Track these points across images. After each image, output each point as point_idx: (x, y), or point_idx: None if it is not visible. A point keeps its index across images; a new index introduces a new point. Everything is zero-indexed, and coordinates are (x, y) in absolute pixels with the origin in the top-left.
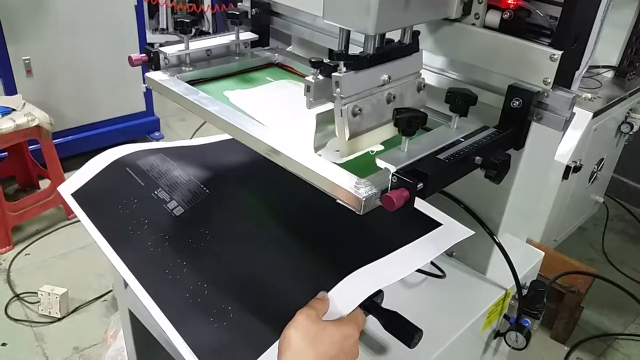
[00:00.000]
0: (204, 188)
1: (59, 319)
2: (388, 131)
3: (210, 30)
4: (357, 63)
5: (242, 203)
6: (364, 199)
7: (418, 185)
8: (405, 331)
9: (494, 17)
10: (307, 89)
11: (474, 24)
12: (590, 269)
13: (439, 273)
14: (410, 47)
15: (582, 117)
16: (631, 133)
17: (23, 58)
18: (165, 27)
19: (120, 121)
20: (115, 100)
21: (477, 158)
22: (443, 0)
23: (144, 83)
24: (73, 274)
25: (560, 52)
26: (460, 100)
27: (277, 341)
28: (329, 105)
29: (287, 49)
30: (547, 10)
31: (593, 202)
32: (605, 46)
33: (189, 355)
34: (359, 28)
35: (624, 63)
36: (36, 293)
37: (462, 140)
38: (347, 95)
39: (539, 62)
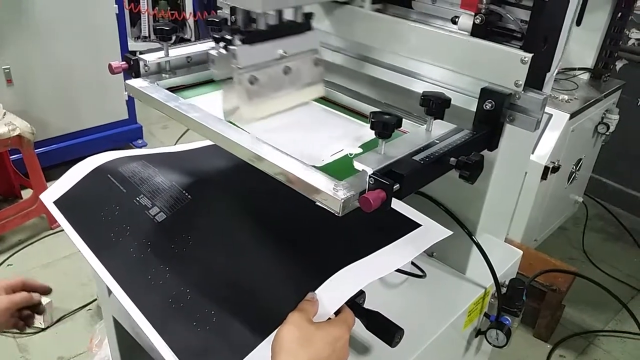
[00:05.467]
0: (186, 194)
1: (43, 329)
2: (289, 101)
3: (192, 38)
4: (250, 37)
5: (224, 208)
6: (342, 201)
7: (394, 186)
8: (387, 331)
9: (466, 21)
10: (212, 62)
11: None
12: (570, 268)
13: (420, 273)
14: (302, 26)
15: (560, 119)
16: (608, 133)
17: (3, 67)
18: (147, 34)
19: (102, 129)
20: (98, 109)
21: (452, 159)
22: None
23: (126, 91)
24: (57, 284)
25: (531, 55)
26: (434, 104)
27: (261, 344)
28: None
29: None
30: (518, 14)
31: (572, 201)
32: (580, 48)
33: None
34: (248, 6)
35: (599, 65)
36: None
37: (437, 142)
38: (242, 65)
39: (510, 64)
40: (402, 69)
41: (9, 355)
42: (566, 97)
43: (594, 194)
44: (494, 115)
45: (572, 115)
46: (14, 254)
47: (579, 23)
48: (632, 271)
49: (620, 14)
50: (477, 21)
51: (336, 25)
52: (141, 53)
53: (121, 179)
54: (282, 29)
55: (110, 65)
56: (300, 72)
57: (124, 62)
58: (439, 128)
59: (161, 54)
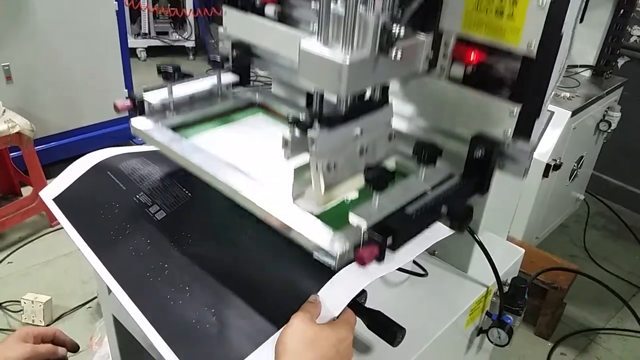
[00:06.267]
0: (186, 191)
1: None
2: (362, 180)
3: (192, 36)
4: (331, 122)
5: (224, 206)
6: (338, 256)
7: (387, 241)
8: (389, 330)
9: (458, 70)
10: (285, 144)
11: (439, 77)
12: (571, 266)
13: (421, 272)
14: (380, 102)
15: (561, 116)
16: (609, 131)
17: (2, 65)
18: (147, 32)
19: (102, 127)
20: (98, 106)
21: (443, 208)
22: (410, 59)
23: (126, 87)
24: (57, 282)
25: (519, 107)
26: (426, 153)
27: (263, 345)
28: (305, 156)
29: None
30: (508, 64)
31: (574, 199)
32: (582, 45)
33: (172, 359)
34: (331, 90)
35: (601, 62)
36: (19, 301)
37: (429, 191)
38: (321, 152)
39: (499, 115)
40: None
41: None
42: (568, 94)
43: (596, 192)
44: (484, 162)
45: (574, 113)
46: (14, 251)
47: (581, 20)
48: (633, 269)
49: (622, 10)
50: (468, 71)
51: None
52: (145, 91)
53: (121, 176)
54: (361, 108)
55: (115, 105)
56: (375, 150)
57: (128, 102)
58: (432, 174)
59: (165, 93)
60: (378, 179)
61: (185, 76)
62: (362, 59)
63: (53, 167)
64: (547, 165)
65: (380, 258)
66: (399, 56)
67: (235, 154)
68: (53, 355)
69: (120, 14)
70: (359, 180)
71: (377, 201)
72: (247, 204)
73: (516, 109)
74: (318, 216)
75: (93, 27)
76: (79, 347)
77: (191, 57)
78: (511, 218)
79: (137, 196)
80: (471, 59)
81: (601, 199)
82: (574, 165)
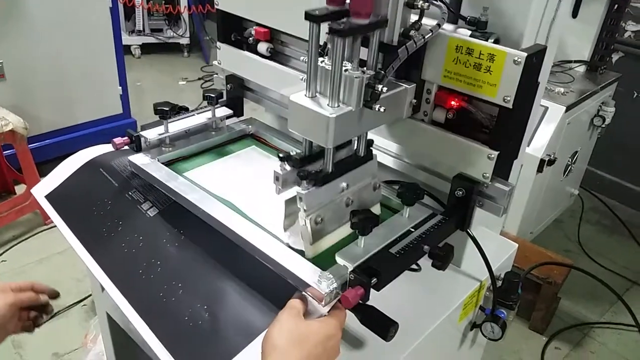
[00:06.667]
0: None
1: (37, 325)
2: (347, 229)
3: (187, 33)
4: (319, 180)
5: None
6: (326, 295)
7: (372, 281)
8: (382, 325)
9: (440, 115)
10: (276, 179)
11: (422, 120)
12: (565, 260)
13: (414, 267)
14: (365, 157)
15: (556, 111)
16: (603, 126)
17: None
18: (141, 29)
19: (96, 124)
20: (92, 103)
21: (426, 247)
22: (394, 108)
23: (120, 85)
24: (51, 280)
25: (497, 153)
26: (409, 197)
27: (252, 342)
28: (295, 189)
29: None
30: (486, 110)
31: (568, 194)
32: (577, 41)
33: (164, 356)
34: (319, 141)
35: (595, 57)
36: None
37: (412, 230)
38: (309, 208)
39: (478, 159)
40: (384, 149)
41: (3, 351)
42: (562, 89)
43: (590, 187)
44: (464, 201)
45: (568, 108)
46: (7, 249)
47: (575, 15)
48: (627, 263)
49: (616, 6)
50: (450, 116)
51: None
52: (143, 129)
53: (113, 173)
54: (347, 164)
55: (113, 142)
56: (360, 200)
57: (126, 138)
58: (415, 212)
59: (161, 129)
60: (363, 224)
61: (181, 109)
62: (348, 112)
63: (47, 165)
64: (542, 161)
65: (365, 299)
66: (382, 110)
67: (229, 188)
68: (35, 301)
69: (114, 11)
70: (345, 230)
71: (362, 243)
72: (240, 241)
73: (494, 154)
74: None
75: (87, 24)
76: (58, 294)
77: (186, 54)
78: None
79: (129, 193)
80: (452, 104)
81: (595, 194)
82: (568, 161)
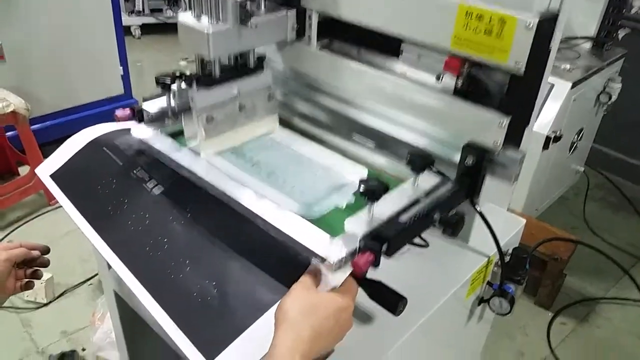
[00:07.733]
0: None
1: (45, 304)
2: (245, 134)
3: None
4: (206, 82)
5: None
6: (335, 262)
7: (382, 248)
8: (391, 300)
9: (449, 81)
10: (174, 96)
11: (308, 44)
12: (572, 236)
13: (422, 242)
14: (254, 68)
15: (562, 88)
16: (609, 103)
17: None
18: (141, 9)
19: (98, 105)
20: (93, 84)
21: (436, 216)
22: (275, 30)
23: (121, 65)
24: (57, 260)
25: (508, 119)
26: (419, 163)
27: (263, 315)
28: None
29: None
30: (496, 77)
31: (574, 171)
32: (583, 17)
33: (174, 332)
34: (203, 54)
35: (601, 34)
36: None
37: (423, 198)
38: (200, 107)
39: (488, 126)
40: (391, 118)
41: (12, 330)
42: (568, 66)
43: (595, 164)
44: (474, 169)
45: (574, 85)
46: (12, 231)
47: None
48: (633, 240)
49: None
50: (460, 83)
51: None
52: (144, 100)
53: (117, 151)
54: (236, 72)
55: (115, 115)
56: (255, 108)
57: (128, 110)
58: (425, 180)
59: (163, 102)
60: (372, 191)
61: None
62: (226, 30)
63: (49, 146)
64: (547, 138)
65: (376, 264)
66: (256, 27)
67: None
68: (28, 255)
69: None
70: (242, 134)
71: (372, 211)
72: (247, 212)
73: (505, 120)
74: (315, 222)
75: (86, 4)
76: (49, 249)
77: None
78: (512, 188)
79: (134, 171)
80: (462, 70)
81: (601, 171)
82: (574, 138)
